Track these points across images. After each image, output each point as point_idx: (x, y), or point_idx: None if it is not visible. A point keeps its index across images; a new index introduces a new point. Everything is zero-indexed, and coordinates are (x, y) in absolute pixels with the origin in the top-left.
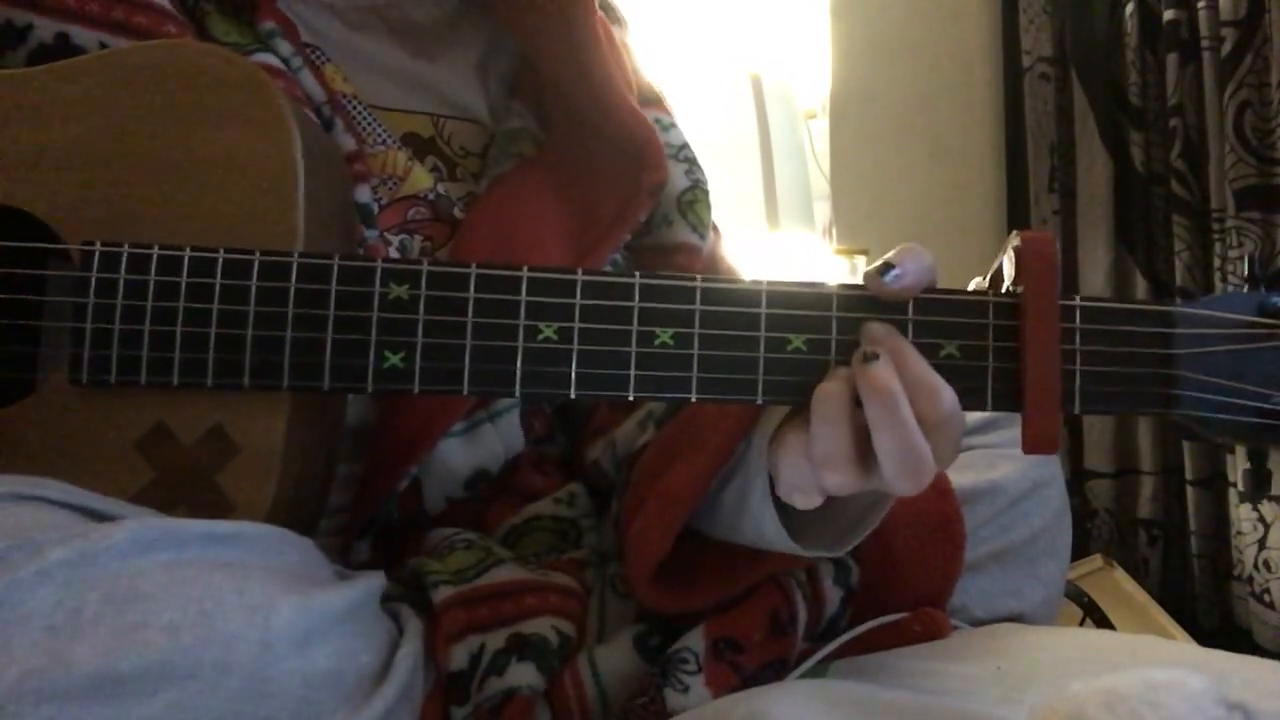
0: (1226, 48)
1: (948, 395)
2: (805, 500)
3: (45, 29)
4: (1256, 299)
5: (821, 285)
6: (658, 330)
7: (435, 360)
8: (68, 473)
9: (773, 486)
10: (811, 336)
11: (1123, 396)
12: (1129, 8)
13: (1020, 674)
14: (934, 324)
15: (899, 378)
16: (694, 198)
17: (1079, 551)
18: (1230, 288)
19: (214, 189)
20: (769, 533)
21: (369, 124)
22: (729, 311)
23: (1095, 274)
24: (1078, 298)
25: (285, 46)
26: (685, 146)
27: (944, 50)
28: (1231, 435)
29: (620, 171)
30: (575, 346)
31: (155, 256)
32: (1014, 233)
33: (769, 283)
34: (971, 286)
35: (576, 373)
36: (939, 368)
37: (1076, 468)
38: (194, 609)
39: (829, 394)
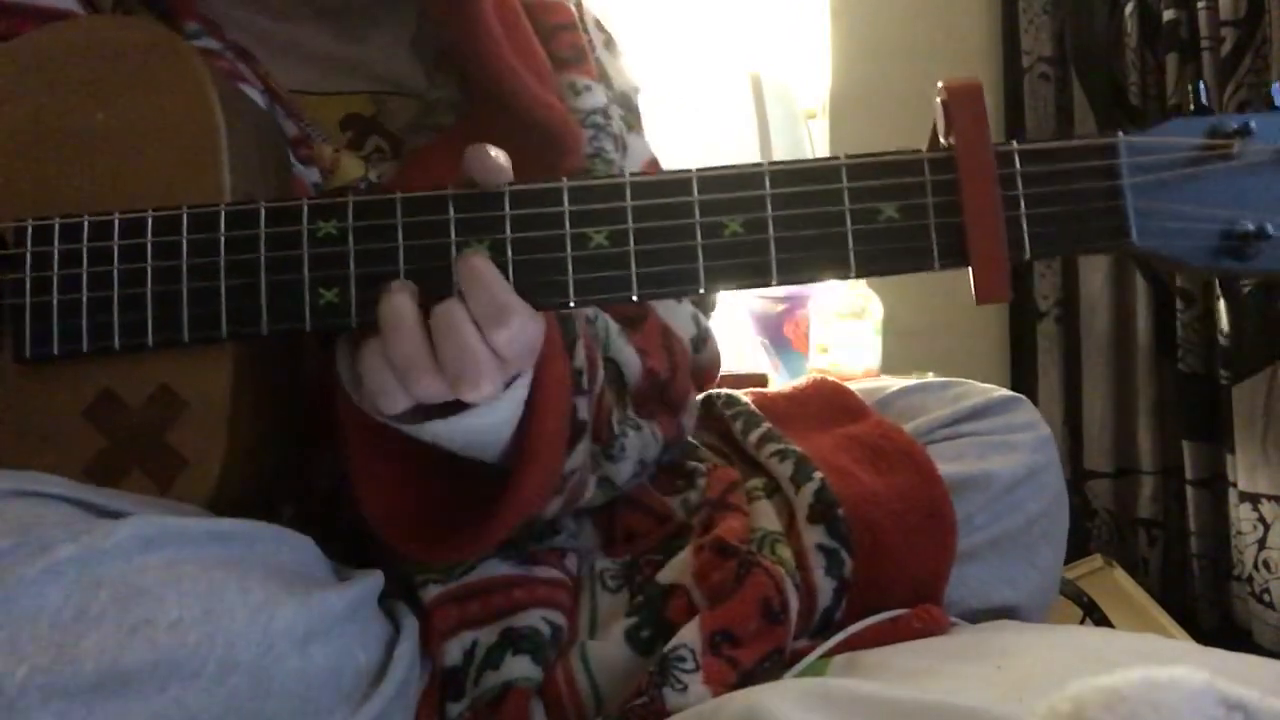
0: (1226, 48)
1: (516, 320)
2: (389, 404)
3: None
4: (1206, 122)
5: (752, 166)
6: (592, 231)
7: (370, 291)
8: (20, 449)
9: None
10: (748, 217)
11: (1072, 236)
12: (1129, 8)
13: (1020, 674)
14: (869, 189)
15: (471, 298)
16: (592, 167)
17: (1079, 551)
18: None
19: (138, 155)
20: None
21: (300, 116)
22: (661, 203)
23: (1095, 274)
24: (1014, 142)
25: (212, 43)
26: (596, 111)
27: (944, 50)
28: (1195, 264)
29: (536, 155)
30: (510, 258)
31: (86, 224)
32: (939, 84)
33: (698, 170)
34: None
35: (515, 281)
36: (879, 232)
37: (1076, 468)
38: (198, 607)
39: (395, 310)
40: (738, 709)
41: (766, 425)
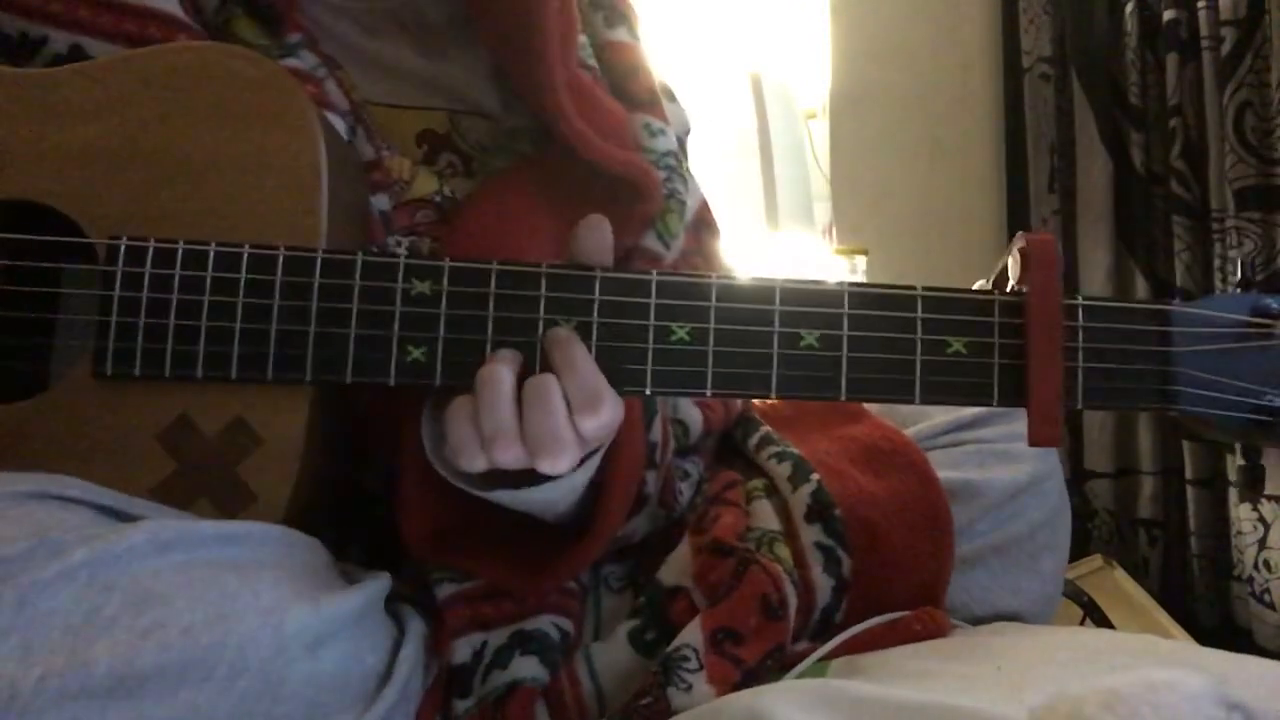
0: (1226, 48)
1: (607, 410)
2: (469, 464)
3: (60, 41)
4: (1249, 300)
5: (834, 285)
6: (674, 326)
7: (457, 355)
8: (90, 465)
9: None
10: (825, 332)
11: (1123, 393)
12: (1129, 8)
13: (1020, 674)
14: (942, 322)
15: (567, 380)
16: (668, 208)
17: (1079, 551)
18: (1230, 288)
19: (238, 187)
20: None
21: (376, 132)
22: (743, 308)
23: (1095, 274)
24: (1080, 297)
25: (311, 57)
26: (669, 154)
27: (944, 50)
28: (1227, 433)
29: (614, 195)
30: (594, 342)
31: (180, 251)
32: (1019, 234)
33: (782, 281)
34: (976, 287)
35: (597, 364)
36: (946, 365)
37: (1076, 468)
38: (210, 611)
39: (494, 377)
40: (739, 710)
41: (765, 429)
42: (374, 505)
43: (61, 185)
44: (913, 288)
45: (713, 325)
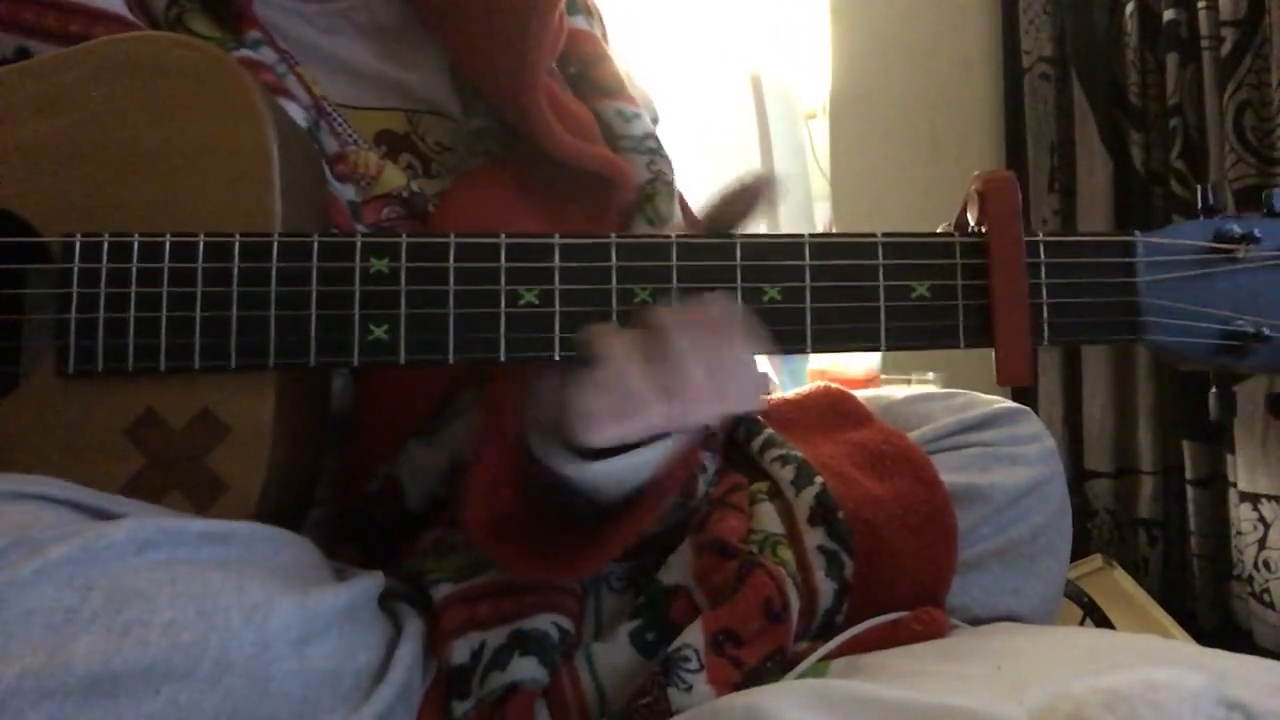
0: (1226, 48)
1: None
2: (600, 438)
3: (6, 44)
4: (1212, 225)
5: (793, 236)
6: (637, 289)
7: (419, 331)
8: (59, 464)
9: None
10: (787, 285)
11: (1090, 326)
12: (1129, 8)
13: (1020, 674)
14: (904, 267)
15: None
16: (653, 191)
17: (1079, 551)
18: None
19: (190, 177)
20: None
21: (342, 126)
22: (704, 265)
23: None
24: (1040, 233)
25: (270, 53)
26: (648, 136)
27: (944, 50)
28: (1197, 359)
29: (590, 186)
30: (558, 309)
31: (136, 244)
32: (975, 174)
33: (742, 236)
34: (939, 230)
35: (560, 336)
36: (910, 309)
37: (1076, 468)
38: (192, 608)
39: (614, 353)
40: (738, 709)
41: (769, 431)
42: (373, 506)
43: (14, 185)
44: (873, 234)
45: (674, 285)
